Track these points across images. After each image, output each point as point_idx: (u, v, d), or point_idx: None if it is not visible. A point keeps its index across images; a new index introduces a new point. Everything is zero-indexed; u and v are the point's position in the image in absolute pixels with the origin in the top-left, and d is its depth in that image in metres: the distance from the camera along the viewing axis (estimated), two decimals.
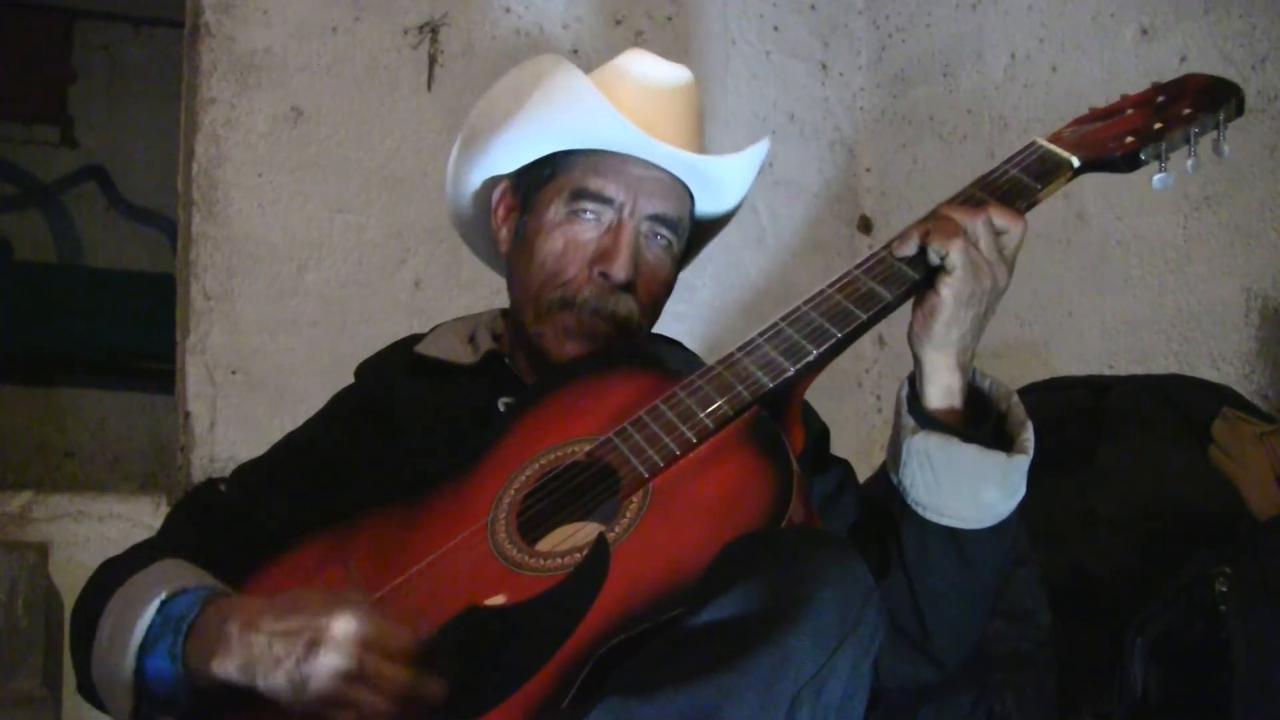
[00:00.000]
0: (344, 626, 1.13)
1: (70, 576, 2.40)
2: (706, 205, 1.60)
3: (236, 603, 1.22)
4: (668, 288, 1.56)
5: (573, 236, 1.50)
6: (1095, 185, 2.57)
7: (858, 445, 3.04)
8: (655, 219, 1.51)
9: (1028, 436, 1.32)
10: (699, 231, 1.65)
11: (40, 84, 5.46)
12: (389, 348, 1.65)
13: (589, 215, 1.50)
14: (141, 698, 1.22)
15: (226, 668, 1.16)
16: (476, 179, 1.61)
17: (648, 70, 1.56)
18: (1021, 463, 1.30)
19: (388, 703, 1.12)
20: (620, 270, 1.48)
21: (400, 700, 1.12)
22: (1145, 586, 1.76)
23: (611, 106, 1.47)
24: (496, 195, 1.60)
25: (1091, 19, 2.68)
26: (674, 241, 1.54)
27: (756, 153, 1.57)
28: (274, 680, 1.13)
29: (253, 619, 1.17)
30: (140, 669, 1.21)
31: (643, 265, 1.50)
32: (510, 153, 1.56)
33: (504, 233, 1.60)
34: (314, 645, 1.12)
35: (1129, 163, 1.38)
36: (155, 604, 1.22)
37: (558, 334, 1.50)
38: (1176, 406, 2.06)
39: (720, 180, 1.57)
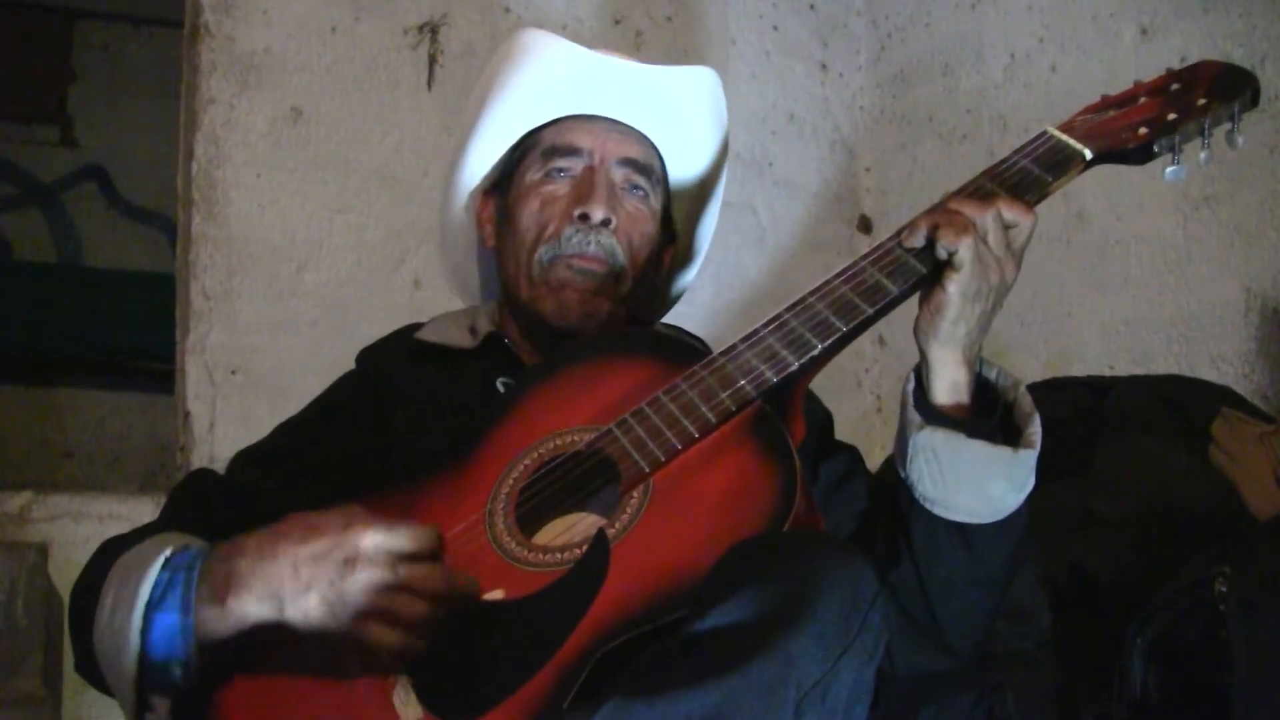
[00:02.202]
0: (373, 539, 1.11)
1: (70, 576, 2.35)
2: (677, 165, 1.63)
3: (238, 541, 1.17)
4: (650, 240, 1.58)
5: (549, 194, 1.54)
6: (1095, 185, 2.57)
7: (857, 445, 3.03)
8: (627, 163, 1.56)
9: (1034, 430, 1.31)
10: (685, 208, 1.67)
11: (40, 84, 5.45)
12: (391, 334, 1.66)
13: (562, 172, 1.55)
14: (144, 667, 1.15)
15: (244, 603, 1.12)
16: (463, 194, 1.65)
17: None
18: (1028, 457, 1.29)
19: (429, 606, 1.11)
20: (597, 209, 1.51)
21: (438, 601, 1.11)
22: (1145, 586, 1.75)
23: (560, 38, 1.55)
24: (479, 205, 1.65)
25: (1091, 19, 2.67)
26: (649, 192, 1.57)
27: (707, 75, 1.61)
28: (305, 604, 1.10)
29: (265, 548, 1.14)
30: (146, 628, 1.14)
31: (620, 209, 1.54)
32: (485, 151, 1.61)
33: (489, 228, 1.64)
34: (349, 563, 1.10)
35: (1142, 155, 1.35)
36: (160, 560, 1.17)
37: (552, 291, 1.52)
38: (1176, 407, 2.05)
39: (685, 117, 1.60)
